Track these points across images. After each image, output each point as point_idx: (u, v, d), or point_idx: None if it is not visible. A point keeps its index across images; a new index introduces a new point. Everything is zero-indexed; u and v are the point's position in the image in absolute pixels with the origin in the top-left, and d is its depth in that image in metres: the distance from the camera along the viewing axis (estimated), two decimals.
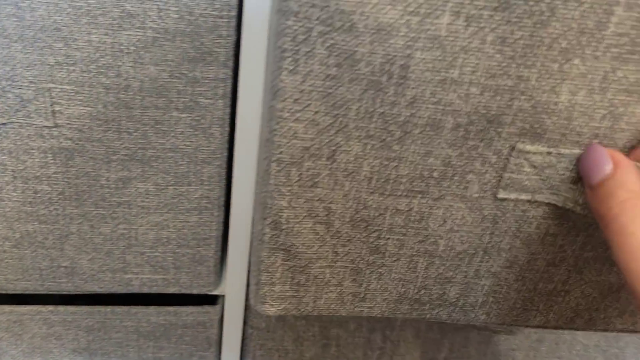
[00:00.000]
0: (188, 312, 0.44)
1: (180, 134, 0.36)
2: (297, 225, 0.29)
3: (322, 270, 0.31)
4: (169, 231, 0.40)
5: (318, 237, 0.29)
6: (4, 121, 0.34)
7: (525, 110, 0.26)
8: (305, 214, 0.29)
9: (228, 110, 0.36)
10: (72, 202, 0.38)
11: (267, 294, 0.32)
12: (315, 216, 0.29)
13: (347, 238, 0.30)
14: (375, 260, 0.30)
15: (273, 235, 0.29)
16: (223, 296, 0.45)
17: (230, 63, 0.34)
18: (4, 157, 0.35)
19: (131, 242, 0.40)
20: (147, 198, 0.38)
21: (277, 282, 0.31)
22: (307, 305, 0.32)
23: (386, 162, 0.27)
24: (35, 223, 0.38)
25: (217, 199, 0.39)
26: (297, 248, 0.30)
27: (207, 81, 0.34)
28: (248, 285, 0.44)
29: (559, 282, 0.32)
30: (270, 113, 0.26)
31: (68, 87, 0.33)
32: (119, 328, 0.45)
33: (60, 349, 0.45)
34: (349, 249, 0.30)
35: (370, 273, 0.31)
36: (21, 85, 0.33)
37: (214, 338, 0.47)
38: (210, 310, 0.45)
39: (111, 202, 0.38)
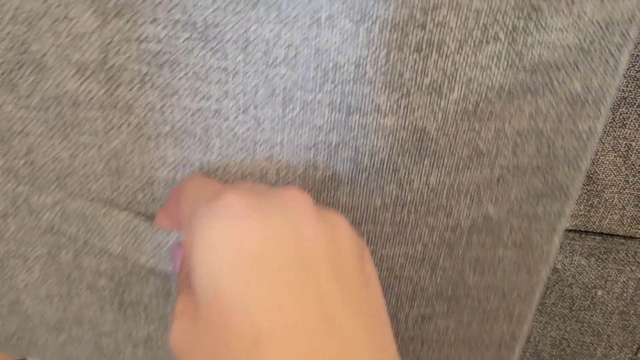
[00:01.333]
0: None
1: (500, 271, 0.31)
2: (602, 157, 0.37)
3: (612, 195, 0.38)
4: None
5: (615, 167, 0.37)
6: None
7: None
8: (610, 149, 0.36)
9: (557, 244, 0.30)
10: None
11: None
12: (617, 150, 0.36)
13: (638, 169, 0.37)
14: None
15: None
16: None
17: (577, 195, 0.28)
18: None
19: None
20: (445, 334, 0.33)
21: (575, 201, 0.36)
22: (593, 224, 0.39)
23: None
24: None
25: (520, 335, 0.34)
26: (597, 175, 0.37)
27: (548, 216, 0.29)
28: None
29: None
30: None
31: (388, 229, 0.29)
32: None
33: None
34: (637, 179, 0.37)
35: None
36: None
37: None
38: None
39: (404, 337, 0.34)
